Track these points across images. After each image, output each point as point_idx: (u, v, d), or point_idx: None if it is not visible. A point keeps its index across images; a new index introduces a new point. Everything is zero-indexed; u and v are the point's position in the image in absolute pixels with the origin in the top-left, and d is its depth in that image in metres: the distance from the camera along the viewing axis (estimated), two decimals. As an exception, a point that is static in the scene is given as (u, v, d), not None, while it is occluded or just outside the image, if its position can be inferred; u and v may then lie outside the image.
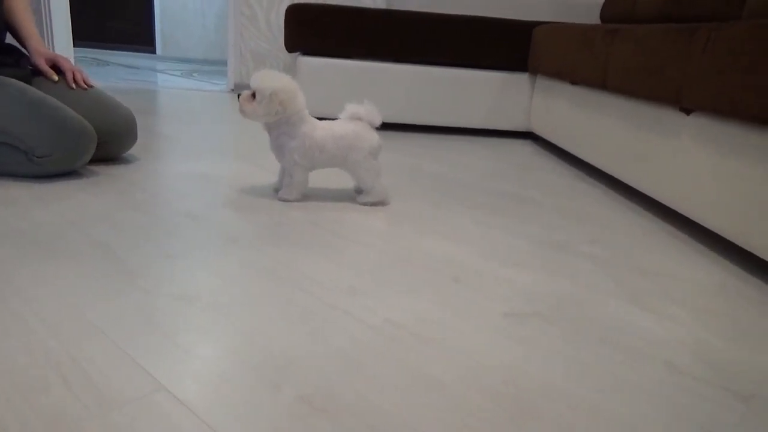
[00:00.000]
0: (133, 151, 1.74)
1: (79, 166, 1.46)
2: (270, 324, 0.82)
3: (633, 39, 1.56)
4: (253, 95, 1.31)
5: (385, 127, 2.53)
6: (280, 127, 1.35)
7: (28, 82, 1.53)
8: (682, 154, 1.35)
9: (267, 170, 1.65)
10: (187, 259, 1.01)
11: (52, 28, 3.07)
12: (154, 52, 5.55)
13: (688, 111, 1.34)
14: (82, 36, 5.23)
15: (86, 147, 1.44)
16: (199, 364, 0.71)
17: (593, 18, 2.70)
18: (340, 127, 1.39)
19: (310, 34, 2.32)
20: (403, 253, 1.13)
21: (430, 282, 1.00)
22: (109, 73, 3.88)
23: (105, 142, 1.53)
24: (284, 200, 1.39)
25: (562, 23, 2.20)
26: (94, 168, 1.53)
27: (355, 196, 1.45)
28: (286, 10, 2.34)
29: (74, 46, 3.31)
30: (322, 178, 1.50)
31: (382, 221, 1.32)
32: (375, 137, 1.40)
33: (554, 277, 1.07)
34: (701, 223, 1.28)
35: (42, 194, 1.30)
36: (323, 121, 1.40)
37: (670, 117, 1.41)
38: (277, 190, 1.43)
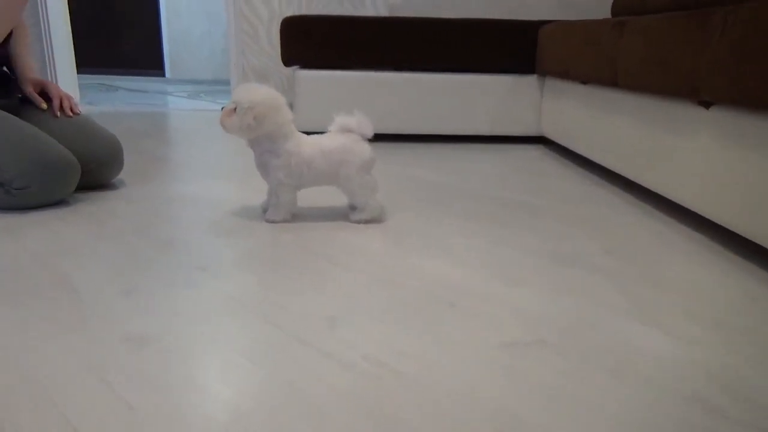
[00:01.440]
0: (124, 175, 1.68)
1: (61, 198, 1.40)
2: (228, 367, 0.72)
3: (641, 31, 1.44)
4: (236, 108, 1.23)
5: (389, 138, 2.44)
6: (263, 144, 1.26)
7: (16, 111, 1.48)
8: (702, 151, 1.22)
9: (259, 190, 1.56)
10: (151, 294, 0.92)
11: (53, 55, 3.06)
12: (163, 75, 5.57)
13: (707, 104, 1.22)
14: (92, 62, 5.28)
15: (68, 179, 1.37)
16: (139, 421, 0.61)
17: (605, 13, 2.58)
18: (329, 141, 1.30)
19: (306, 46, 2.25)
20: (395, 276, 1.03)
21: (421, 309, 0.90)
22: (117, 98, 3.87)
23: (90, 170, 1.47)
24: (271, 222, 1.30)
25: (567, 21, 2.09)
26: (79, 195, 1.47)
27: (349, 213, 1.35)
28: (281, 24, 2.27)
29: (84, 72, 3.31)
30: (314, 196, 1.41)
31: (375, 241, 1.22)
32: (367, 150, 1.30)
33: (561, 297, 0.95)
34: (726, 227, 1.15)
35: (13, 224, 1.23)
36: (311, 136, 1.31)
37: (688, 112, 1.29)
38: (265, 210, 1.35)
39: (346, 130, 1.32)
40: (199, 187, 1.61)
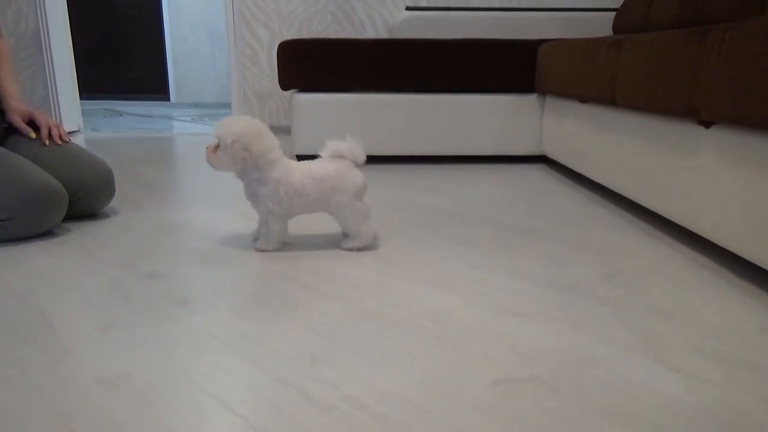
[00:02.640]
0: (117, 203, 1.65)
1: (48, 229, 1.37)
2: (198, 412, 0.68)
3: (638, 49, 1.41)
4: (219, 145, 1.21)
5: (388, 160, 2.42)
6: (251, 174, 1.24)
7: (2, 141, 1.47)
8: (704, 172, 1.18)
9: (252, 218, 1.53)
10: (128, 330, 0.89)
11: (56, 82, 3.07)
12: (168, 99, 5.60)
13: (707, 124, 1.18)
14: (97, 88, 5.33)
15: (54, 209, 1.35)
16: (98, 476, 0.57)
17: (607, 32, 2.56)
18: (320, 167, 1.27)
19: (303, 70, 2.23)
20: (384, 307, 0.98)
21: (409, 344, 0.86)
22: (121, 123, 3.88)
23: (78, 199, 1.45)
24: (261, 251, 1.27)
25: (565, 39, 2.06)
26: (68, 225, 1.44)
27: (341, 241, 1.32)
28: (278, 48, 2.26)
29: (89, 98, 3.32)
30: (307, 223, 1.37)
31: (366, 269, 1.18)
32: (359, 176, 1.27)
33: (559, 329, 0.91)
34: (734, 251, 1.10)
35: (-1, 259, 1.21)
36: (301, 162, 1.28)
37: (689, 131, 1.25)
38: (256, 239, 1.31)
39: (338, 155, 1.29)
40: (193, 214, 1.58)
